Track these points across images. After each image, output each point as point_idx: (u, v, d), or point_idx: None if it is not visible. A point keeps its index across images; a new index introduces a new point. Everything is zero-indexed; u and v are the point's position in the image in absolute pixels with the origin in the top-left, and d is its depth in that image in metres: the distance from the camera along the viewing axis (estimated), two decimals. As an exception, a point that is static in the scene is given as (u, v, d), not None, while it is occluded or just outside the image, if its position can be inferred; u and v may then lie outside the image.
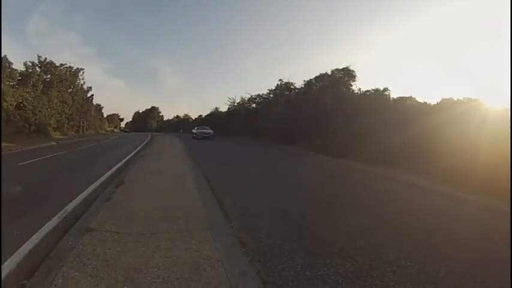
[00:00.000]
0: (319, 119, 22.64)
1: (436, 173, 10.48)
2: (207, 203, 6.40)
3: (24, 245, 4.08)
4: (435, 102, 18.10)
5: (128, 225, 4.68)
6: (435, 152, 11.46)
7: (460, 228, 5.68)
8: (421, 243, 4.70)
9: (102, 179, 9.07)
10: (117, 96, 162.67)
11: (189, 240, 4.21)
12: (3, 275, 3.32)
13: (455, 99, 16.13)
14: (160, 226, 4.73)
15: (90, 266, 3.35)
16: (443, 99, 17.35)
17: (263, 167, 13.67)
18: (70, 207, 5.98)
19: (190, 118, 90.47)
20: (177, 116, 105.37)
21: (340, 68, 27.23)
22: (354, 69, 26.61)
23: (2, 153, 14.77)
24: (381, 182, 10.58)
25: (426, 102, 19.65)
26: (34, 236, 4.41)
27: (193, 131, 41.58)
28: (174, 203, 6.17)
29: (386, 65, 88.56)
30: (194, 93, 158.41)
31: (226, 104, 54.72)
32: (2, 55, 32.14)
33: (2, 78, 30.50)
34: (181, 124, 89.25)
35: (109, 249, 3.79)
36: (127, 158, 14.88)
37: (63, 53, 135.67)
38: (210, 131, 39.21)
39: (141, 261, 3.52)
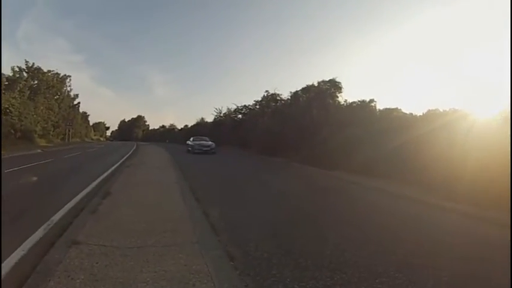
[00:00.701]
0: (305, 131, 22.73)
1: (423, 183, 10.58)
2: (194, 215, 6.36)
3: (9, 258, 3.98)
4: (421, 114, 18.31)
5: (115, 238, 4.60)
6: (422, 162, 11.55)
7: (448, 238, 5.74)
8: (409, 253, 4.71)
9: (89, 189, 8.96)
10: (104, 104, 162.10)
11: (177, 254, 4.15)
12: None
13: (441, 110, 16.33)
14: (148, 239, 4.66)
15: (78, 281, 3.28)
16: (429, 111, 17.53)
17: (249, 178, 13.57)
18: (56, 217, 5.87)
19: (176, 128, 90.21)
20: (163, 126, 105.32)
21: (327, 79, 27.40)
22: (340, 81, 26.78)
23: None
24: (368, 193, 10.73)
25: (412, 114, 20.01)
26: (20, 248, 4.31)
27: (189, 142, 32.60)
28: (161, 216, 6.12)
29: (373, 76, 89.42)
30: (181, 103, 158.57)
31: (213, 114, 53.94)
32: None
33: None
34: (167, 134, 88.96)
35: (97, 263, 3.72)
36: (113, 168, 14.76)
37: (51, 59, 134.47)
38: (210, 143, 30.29)
39: (130, 276, 3.46)
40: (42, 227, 5.25)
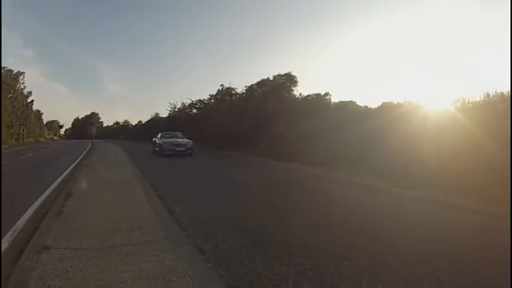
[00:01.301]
0: (262, 124, 22.99)
1: (379, 172, 10.96)
2: (158, 212, 6.40)
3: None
4: (376, 106, 18.62)
5: (84, 241, 4.55)
6: (378, 152, 12.05)
7: (403, 222, 6.25)
8: (370, 237, 5.05)
9: (49, 191, 8.71)
10: (57, 102, 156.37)
11: (149, 252, 4.19)
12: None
13: (396, 102, 16.70)
14: (117, 239, 4.65)
15: None
16: (383, 103, 17.88)
17: (209, 173, 13.64)
18: (21, 223, 5.68)
19: (131, 124, 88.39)
20: (117, 122, 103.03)
21: (282, 73, 27.54)
22: (296, 75, 27.00)
23: None
24: (327, 183, 11.08)
25: (367, 106, 20.28)
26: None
27: (156, 140, 24.67)
28: (126, 214, 6.10)
29: (329, 71, 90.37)
30: (135, 98, 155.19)
31: (167, 109, 52.64)
32: None
33: None
34: (121, 131, 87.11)
35: (71, 267, 3.69)
36: (71, 167, 14.40)
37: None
38: (186, 140, 22.97)
39: (107, 277, 3.45)
40: (8, 235, 5.05)
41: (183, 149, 21.79)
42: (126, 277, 3.47)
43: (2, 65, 48.15)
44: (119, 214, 6.11)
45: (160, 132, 26.23)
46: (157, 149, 23.15)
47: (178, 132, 26.00)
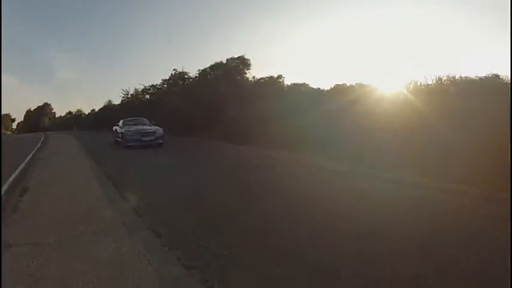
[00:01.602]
0: (215, 108, 22.80)
1: (334, 153, 11.01)
2: (114, 200, 6.50)
3: None
4: (328, 88, 19.17)
5: (43, 235, 4.52)
6: (332, 134, 12.13)
7: (357, 200, 6.37)
8: (328, 214, 5.27)
9: (5, 186, 8.21)
10: (7, 94, 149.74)
11: (107, 239, 4.27)
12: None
13: (348, 84, 17.38)
14: (75, 230, 4.68)
15: (19, 285, 3.22)
16: (336, 85, 18.40)
17: (164, 159, 13.52)
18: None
19: (84, 113, 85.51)
20: (70, 112, 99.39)
21: (236, 56, 27.65)
22: (249, 58, 27.12)
23: None
24: (282, 165, 11.32)
25: (320, 88, 20.73)
26: None
27: (117, 129, 20.79)
28: (82, 205, 6.11)
29: (283, 54, 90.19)
30: (88, 86, 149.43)
31: (120, 96, 50.92)
32: None
33: None
34: (74, 120, 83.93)
35: (32, 262, 3.67)
36: (25, 161, 13.60)
37: None
38: (154, 128, 19.25)
39: (68, 269, 3.48)
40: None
41: (152, 138, 17.97)
42: (87, 267, 3.50)
43: None
44: (76, 206, 6.11)
45: (122, 119, 21.35)
46: (119, 139, 19.35)
47: (143, 118, 22.10)
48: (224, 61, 28.15)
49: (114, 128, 22.18)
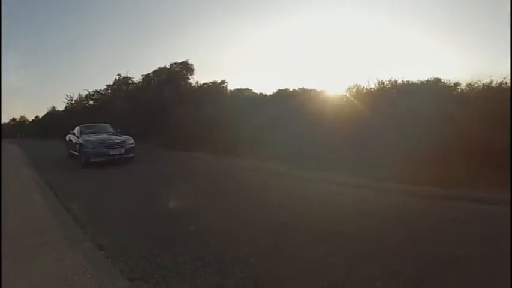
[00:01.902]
0: (159, 114, 22.28)
1: (279, 157, 11.15)
2: (56, 211, 6.33)
3: None
4: (271, 93, 19.10)
5: None
6: (277, 137, 12.25)
7: (291, 199, 6.89)
8: (272, 221, 5.33)
9: None
10: None
11: (50, 253, 4.16)
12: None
13: (291, 89, 17.56)
14: (19, 244, 4.55)
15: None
16: (279, 90, 18.40)
17: (107, 168, 12.76)
18: None
19: (27, 120, 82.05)
20: (13, 119, 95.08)
21: (179, 61, 27.16)
22: (193, 63, 26.78)
23: None
24: (229, 169, 11.48)
25: (262, 93, 20.83)
26: None
27: (74, 139, 15.39)
28: (24, 218, 5.92)
29: (228, 60, 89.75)
30: (29, 92, 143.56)
31: (64, 101, 48.68)
32: None
33: None
34: (18, 128, 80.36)
35: None
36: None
37: None
38: (124, 137, 14.48)
39: (11, 283, 3.38)
40: None
41: (121, 151, 13.44)
42: (31, 281, 3.44)
43: None
44: (17, 218, 5.91)
45: (78, 126, 16.18)
46: (76, 153, 14.55)
47: (105, 124, 17.41)
48: (168, 66, 27.62)
49: (67, 137, 17.05)
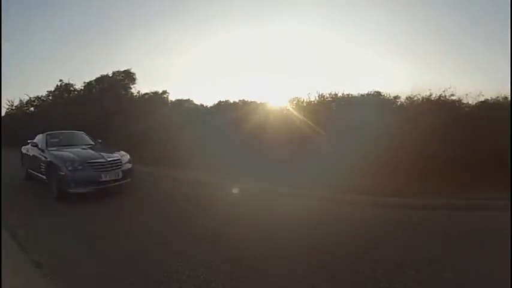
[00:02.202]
0: (99, 123, 21.11)
1: (208, 168, 11.24)
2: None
3: None
4: (212, 104, 19.04)
5: None
6: (215, 149, 12.10)
7: (238, 209, 7.03)
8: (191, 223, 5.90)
9: None
10: None
11: None
12: None
13: (231, 101, 17.36)
14: None
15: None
16: (219, 102, 18.31)
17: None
18: None
19: (-36, 129, 76.71)
20: None
21: (122, 70, 26.37)
22: (135, 72, 26.03)
23: None
24: (162, 181, 11.15)
25: (203, 105, 20.66)
26: None
27: (38, 153, 9.65)
28: None
29: (171, 70, 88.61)
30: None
31: (5, 107, 45.67)
32: None
33: None
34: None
35: None
36: None
37: None
38: (118, 154, 9.35)
39: None
40: None
41: (118, 175, 8.73)
42: None
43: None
44: None
45: (41, 134, 10.85)
46: (41, 175, 9.50)
47: (79, 132, 12.01)
48: (110, 74, 26.73)
49: (24, 149, 11.67)
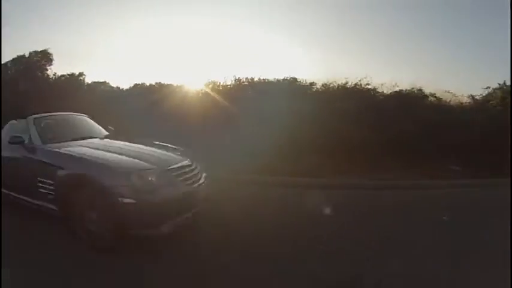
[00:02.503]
0: (14, 107, 19.56)
1: None
2: None
3: None
4: (127, 87, 18.49)
5: None
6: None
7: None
8: None
9: None
10: None
11: None
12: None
13: (148, 84, 16.73)
14: None
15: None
16: (135, 84, 17.58)
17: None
18: None
19: None
20: None
21: (39, 50, 24.44)
22: (52, 52, 24.16)
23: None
24: None
25: (119, 87, 20.00)
26: None
27: (25, 158, 4.76)
28: None
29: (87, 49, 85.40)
30: None
31: None
32: None
33: None
34: None
35: None
36: None
37: None
38: (181, 157, 4.89)
39: None
40: None
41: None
42: None
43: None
44: None
45: (21, 117, 5.83)
46: (41, 202, 4.57)
47: (83, 116, 7.58)
48: (27, 55, 24.42)
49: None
